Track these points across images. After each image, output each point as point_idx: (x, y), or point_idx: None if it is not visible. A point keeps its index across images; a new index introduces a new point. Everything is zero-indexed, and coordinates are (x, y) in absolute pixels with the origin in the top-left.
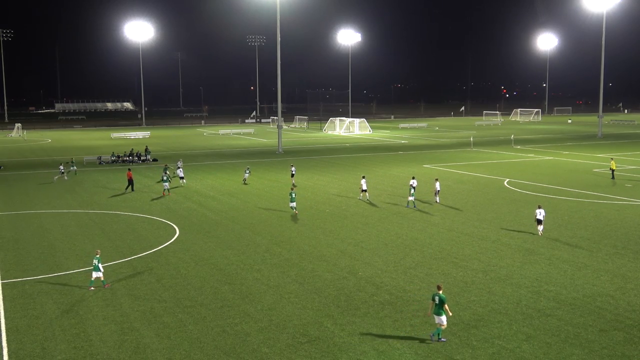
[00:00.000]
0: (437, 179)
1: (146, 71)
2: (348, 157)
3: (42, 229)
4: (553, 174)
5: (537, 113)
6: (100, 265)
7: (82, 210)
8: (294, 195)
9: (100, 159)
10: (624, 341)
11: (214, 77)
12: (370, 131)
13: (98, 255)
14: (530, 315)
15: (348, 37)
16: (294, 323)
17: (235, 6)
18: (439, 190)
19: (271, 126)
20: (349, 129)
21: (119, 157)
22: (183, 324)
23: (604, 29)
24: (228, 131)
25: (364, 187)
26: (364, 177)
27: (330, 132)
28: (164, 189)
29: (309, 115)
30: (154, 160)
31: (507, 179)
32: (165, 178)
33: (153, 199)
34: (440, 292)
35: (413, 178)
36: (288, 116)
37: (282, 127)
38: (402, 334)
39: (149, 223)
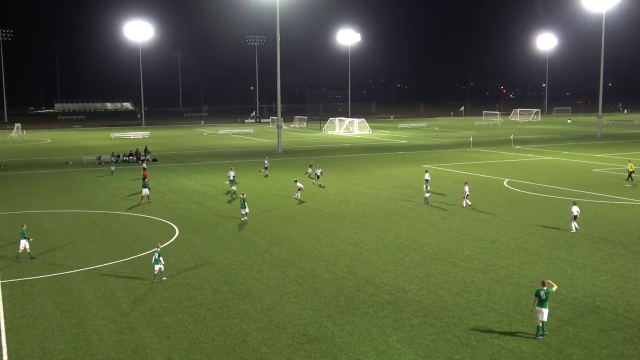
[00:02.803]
0: (466, 183)
1: (146, 71)
2: (348, 157)
3: (41, 229)
4: (553, 174)
5: (536, 113)
6: (161, 259)
7: (81, 210)
8: (244, 202)
9: (100, 159)
10: (623, 341)
11: (214, 77)
12: (369, 131)
13: (159, 249)
14: (529, 316)
15: (347, 37)
16: (294, 323)
17: (234, 6)
18: (467, 194)
19: (271, 126)
20: (348, 129)
21: (118, 156)
22: (182, 324)
23: (603, 29)
24: (228, 131)
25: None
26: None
27: (329, 132)
28: (232, 192)
29: (309, 115)
30: (154, 160)
31: (507, 179)
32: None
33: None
34: (545, 287)
35: (426, 172)
36: (288, 116)
37: (281, 127)
38: (401, 334)
39: (149, 223)
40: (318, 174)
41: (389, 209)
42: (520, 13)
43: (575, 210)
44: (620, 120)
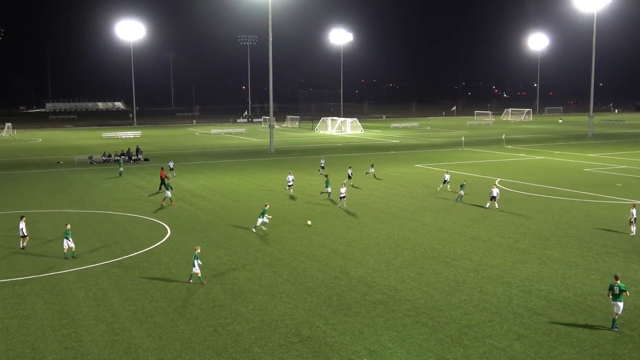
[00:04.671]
0: (494, 185)
1: (137, 71)
2: (340, 157)
3: (33, 229)
4: (544, 174)
5: (528, 113)
6: (196, 262)
7: (73, 210)
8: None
9: (91, 158)
10: (614, 340)
11: (206, 77)
12: (362, 131)
13: (197, 252)
14: (521, 314)
15: (340, 37)
16: (286, 323)
17: (226, 5)
18: (494, 196)
19: (263, 126)
20: (340, 128)
21: (110, 156)
22: (174, 324)
23: (594, 29)
24: (220, 131)
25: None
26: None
27: (322, 132)
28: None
29: (301, 114)
30: (146, 160)
31: (499, 179)
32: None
33: (150, 195)
34: (619, 281)
35: (447, 172)
36: (280, 116)
37: (273, 127)
38: (393, 334)
39: (141, 223)
40: (349, 174)
41: (381, 209)
42: (512, 13)
43: (633, 213)
44: (611, 120)
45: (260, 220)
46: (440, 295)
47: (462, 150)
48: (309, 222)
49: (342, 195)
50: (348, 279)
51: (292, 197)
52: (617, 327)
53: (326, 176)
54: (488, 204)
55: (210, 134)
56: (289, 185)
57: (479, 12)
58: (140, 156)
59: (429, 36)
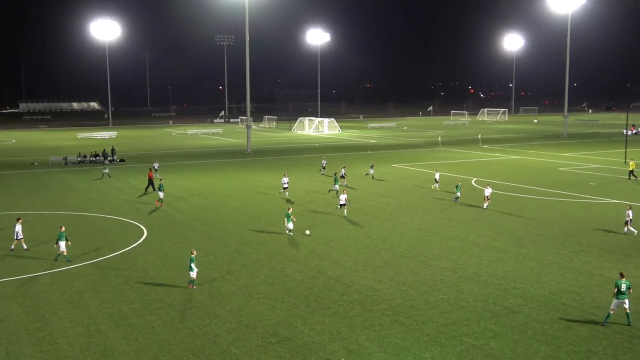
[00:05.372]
0: (488, 185)
1: (113, 71)
2: (317, 157)
3: (6, 231)
4: (520, 173)
5: (503, 113)
6: (193, 265)
7: (48, 212)
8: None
9: (66, 159)
10: (589, 337)
11: (182, 77)
12: (339, 131)
13: (193, 255)
14: (497, 313)
15: (317, 37)
16: (264, 323)
17: (203, 5)
18: (488, 197)
19: (240, 126)
20: (318, 128)
21: (85, 157)
22: (151, 326)
23: (569, 30)
24: (196, 131)
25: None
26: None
27: (299, 132)
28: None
29: (278, 115)
30: (121, 160)
31: (475, 178)
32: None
33: (142, 197)
34: (624, 279)
35: (437, 171)
36: (257, 116)
37: (251, 127)
38: (371, 333)
39: (117, 224)
40: (343, 174)
41: (358, 208)
42: (487, 14)
43: (629, 214)
44: (586, 120)
45: (291, 225)
46: (418, 295)
47: (439, 150)
48: (307, 232)
49: (342, 203)
50: (326, 279)
51: (288, 200)
52: (605, 323)
53: (335, 174)
54: (486, 204)
55: (187, 134)
56: (284, 188)
57: (455, 12)
58: (115, 157)
59: (405, 36)
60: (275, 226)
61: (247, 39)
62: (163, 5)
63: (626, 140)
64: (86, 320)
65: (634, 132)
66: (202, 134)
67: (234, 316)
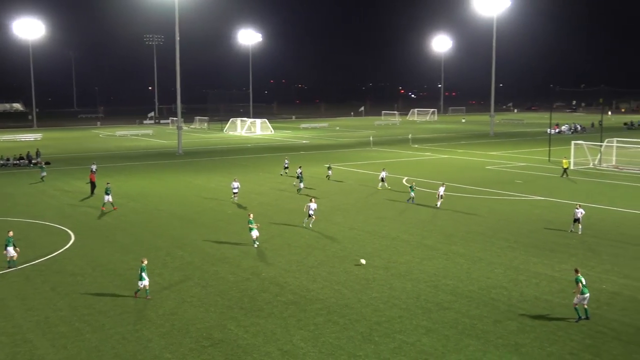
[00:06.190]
0: (443, 184)
1: (37, 71)
2: (250, 158)
3: None
4: (449, 172)
5: (433, 113)
6: (144, 274)
7: None
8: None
9: None
10: (517, 330)
11: (110, 77)
12: (271, 131)
13: (143, 264)
14: (429, 309)
15: (248, 37)
16: (197, 327)
17: (131, 5)
18: (442, 195)
19: (170, 127)
20: (250, 129)
21: (8, 160)
22: (80, 333)
23: (494, 33)
24: (126, 132)
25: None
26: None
27: (231, 133)
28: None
29: (210, 115)
30: (47, 163)
31: (406, 177)
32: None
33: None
34: (579, 274)
35: (383, 169)
36: (188, 117)
37: (182, 128)
38: (305, 333)
39: (42, 229)
40: (299, 174)
41: (291, 209)
42: (416, 15)
43: (578, 212)
44: (511, 120)
45: (254, 234)
46: (351, 294)
47: (371, 150)
48: (363, 261)
49: (311, 213)
50: (260, 280)
51: (239, 206)
52: (581, 317)
53: (300, 173)
54: (439, 203)
55: (116, 135)
56: (234, 193)
57: (385, 14)
58: (39, 159)
59: (336, 37)
60: (208, 228)
61: (177, 38)
62: (90, 4)
63: (550, 139)
64: (11, 329)
65: (557, 131)
66: (132, 135)
67: (166, 320)
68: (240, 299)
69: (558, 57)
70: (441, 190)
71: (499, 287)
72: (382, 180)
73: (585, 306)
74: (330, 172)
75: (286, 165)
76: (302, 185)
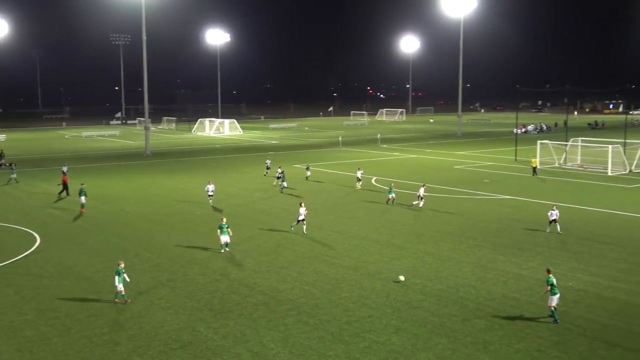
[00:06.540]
0: (424, 184)
1: (0, 71)
2: (219, 159)
3: None
4: (418, 172)
5: (401, 113)
6: (119, 278)
7: None
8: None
9: None
10: (485, 328)
11: (76, 77)
12: (240, 132)
13: (120, 267)
14: (398, 309)
15: (217, 37)
16: (166, 329)
17: (97, 3)
18: (422, 196)
19: (138, 128)
20: (219, 129)
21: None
22: (46, 337)
23: (461, 33)
24: (92, 133)
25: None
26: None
27: (199, 133)
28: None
29: (178, 116)
30: (10, 165)
31: (375, 177)
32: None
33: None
34: (550, 275)
35: (359, 169)
36: (155, 117)
37: (149, 129)
38: (276, 334)
39: (5, 231)
40: (279, 175)
41: (261, 210)
42: (385, 16)
43: (553, 214)
44: (478, 120)
45: (224, 239)
46: (321, 294)
47: (340, 150)
48: (402, 278)
49: (301, 218)
50: (229, 281)
51: (214, 209)
52: (557, 320)
53: (282, 173)
54: (415, 202)
55: (82, 136)
56: (209, 196)
57: (354, 14)
58: (3, 161)
59: (305, 37)
60: (177, 229)
61: (144, 38)
62: (54, 2)
63: (516, 138)
64: None
65: (523, 130)
66: (98, 136)
67: (134, 323)
68: (210, 301)
69: (526, 58)
70: (421, 191)
71: (468, 286)
72: (359, 179)
73: (553, 308)
74: (308, 172)
75: (268, 166)
76: (284, 184)
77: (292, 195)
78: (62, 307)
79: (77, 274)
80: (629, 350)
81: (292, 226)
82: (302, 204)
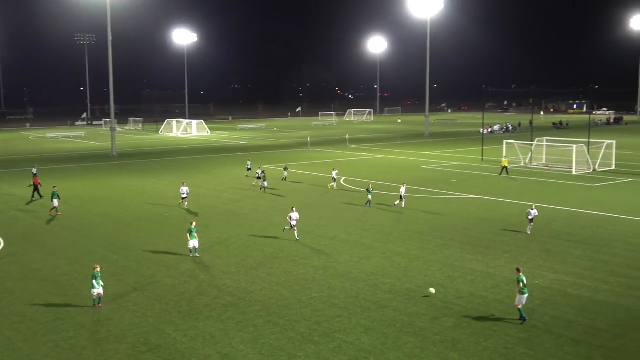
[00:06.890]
0: (404, 184)
1: None
2: (186, 159)
3: None
4: (386, 172)
5: (369, 113)
6: (95, 282)
7: None
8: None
9: None
10: (453, 327)
11: (40, 77)
12: (208, 132)
13: (95, 271)
14: (368, 308)
15: (184, 37)
16: (134, 332)
17: (60, 2)
18: (402, 196)
19: (104, 128)
20: (186, 130)
21: None
22: (11, 342)
23: (428, 34)
24: (57, 134)
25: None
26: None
27: (167, 134)
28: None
29: (144, 116)
30: None
31: (344, 177)
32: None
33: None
34: (520, 274)
35: (334, 169)
36: (122, 118)
37: (115, 130)
38: (245, 335)
39: None
40: (259, 175)
41: (230, 210)
42: (352, 17)
43: (532, 213)
44: (445, 120)
45: (193, 243)
46: (291, 294)
47: (308, 150)
48: (433, 290)
49: (293, 223)
50: (198, 283)
51: (189, 211)
52: (526, 318)
53: (263, 173)
54: (397, 202)
55: (47, 137)
56: (183, 198)
57: (321, 15)
58: None
59: (273, 38)
60: (144, 231)
61: (110, 37)
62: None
63: (482, 138)
64: None
65: (489, 130)
66: (63, 137)
67: (101, 327)
68: (178, 303)
69: (493, 59)
70: (402, 190)
71: (436, 285)
72: (334, 180)
73: (520, 307)
74: (286, 173)
75: (249, 167)
76: (265, 184)
77: (272, 194)
78: (27, 311)
79: (42, 277)
80: (593, 346)
81: (284, 228)
82: (294, 209)
